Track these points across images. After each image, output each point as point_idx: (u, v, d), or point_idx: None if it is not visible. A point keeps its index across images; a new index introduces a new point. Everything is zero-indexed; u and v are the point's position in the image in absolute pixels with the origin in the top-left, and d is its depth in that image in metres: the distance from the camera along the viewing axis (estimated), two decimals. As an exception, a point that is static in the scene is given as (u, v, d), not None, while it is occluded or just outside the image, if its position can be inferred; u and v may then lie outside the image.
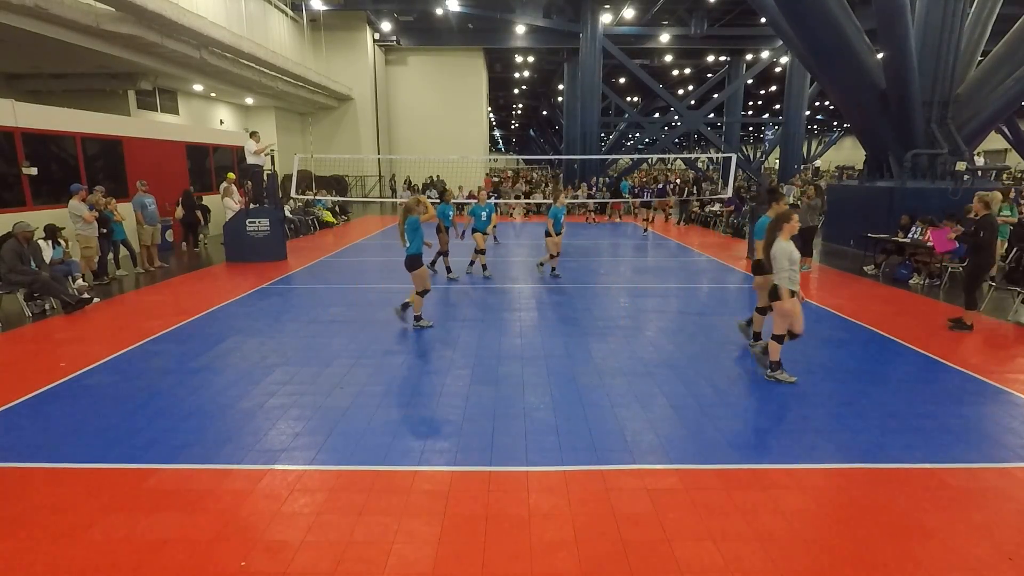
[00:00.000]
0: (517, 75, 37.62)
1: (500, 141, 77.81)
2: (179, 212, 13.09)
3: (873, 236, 10.72)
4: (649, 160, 51.75)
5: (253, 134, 12.61)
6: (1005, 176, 28.95)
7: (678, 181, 24.38)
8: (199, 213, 13.24)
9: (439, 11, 24.47)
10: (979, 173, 13.52)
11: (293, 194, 15.40)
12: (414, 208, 6.65)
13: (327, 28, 25.07)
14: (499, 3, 24.69)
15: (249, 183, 12.62)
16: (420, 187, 24.82)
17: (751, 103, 48.38)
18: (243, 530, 3.18)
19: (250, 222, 11.65)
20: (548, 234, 9.73)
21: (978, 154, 23.56)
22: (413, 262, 6.72)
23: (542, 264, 10.31)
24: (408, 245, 6.68)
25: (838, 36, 10.96)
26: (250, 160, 12.43)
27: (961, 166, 12.00)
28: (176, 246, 13.62)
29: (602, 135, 31.21)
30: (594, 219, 20.39)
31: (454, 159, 24.67)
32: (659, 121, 39.35)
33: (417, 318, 7.00)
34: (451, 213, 9.54)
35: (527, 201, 23.41)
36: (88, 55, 12.67)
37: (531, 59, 33.27)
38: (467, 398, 4.93)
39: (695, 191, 21.67)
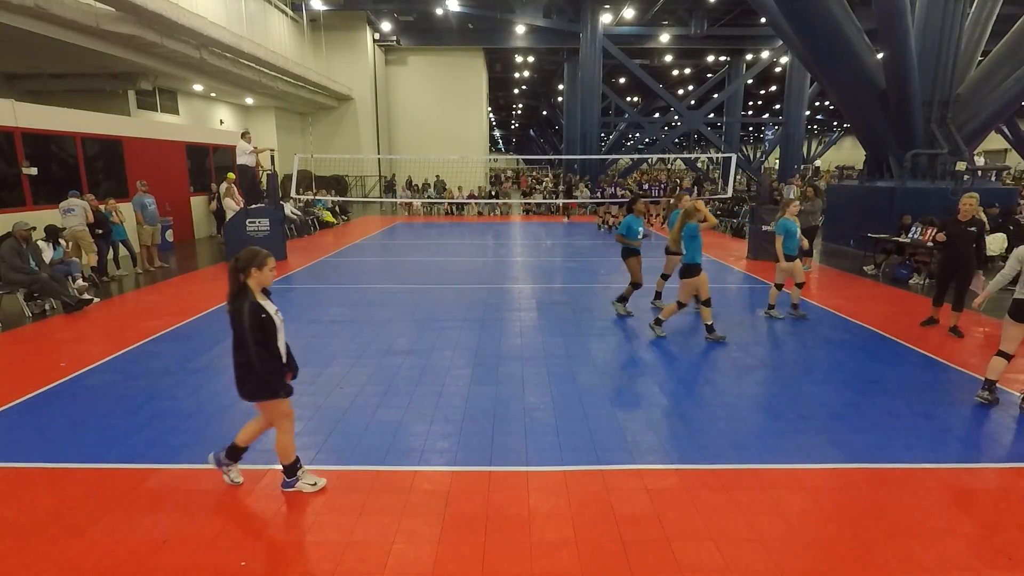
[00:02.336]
0: (517, 75, 37.63)
1: (500, 141, 77.83)
2: (213, 205, 14.54)
3: (873, 236, 10.72)
4: (649, 160, 51.76)
5: (244, 134, 12.68)
6: (1005, 176, 28.93)
7: (678, 180, 24.42)
8: None
9: (439, 11, 24.46)
10: (979, 173, 13.52)
11: (293, 194, 15.41)
12: (693, 214, 6.35)
13: (327, 28, 25.06)
14: (499, 3, 24.68)
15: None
16: (419, 187, 24.83)
17: (751, 103, 48.37)
18: (243, 530, 3.18)
19: (250, 222, 11.65)
20: (790, 256, 7.30)
21: (978, 154, 23.56)
22: (690, 270, 6.38)
23: (772, 308, 7.56)
24: (684, 252, 6.41)
25: (838, 36, 10.96)
26: (241, 160, 12.48)
27: (961, 166, 12.00)
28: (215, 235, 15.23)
29: (602, 135, 31.22)
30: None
31: (454, 159, 24.68)
32: (659, 121, 39.39)
33: (658, 321, 6.69)
34: (640, 228, 7.45)
35: (525, 201, 23.43)
36: (88, 55, 12.66)
37: (531, 59, 33.27)
38: (467, 398, 4.93)
39: (695, 190, 21.67)
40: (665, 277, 7.97)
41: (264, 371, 3.25)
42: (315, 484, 3.56)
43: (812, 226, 10.62)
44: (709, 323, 6.52)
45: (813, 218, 10.59)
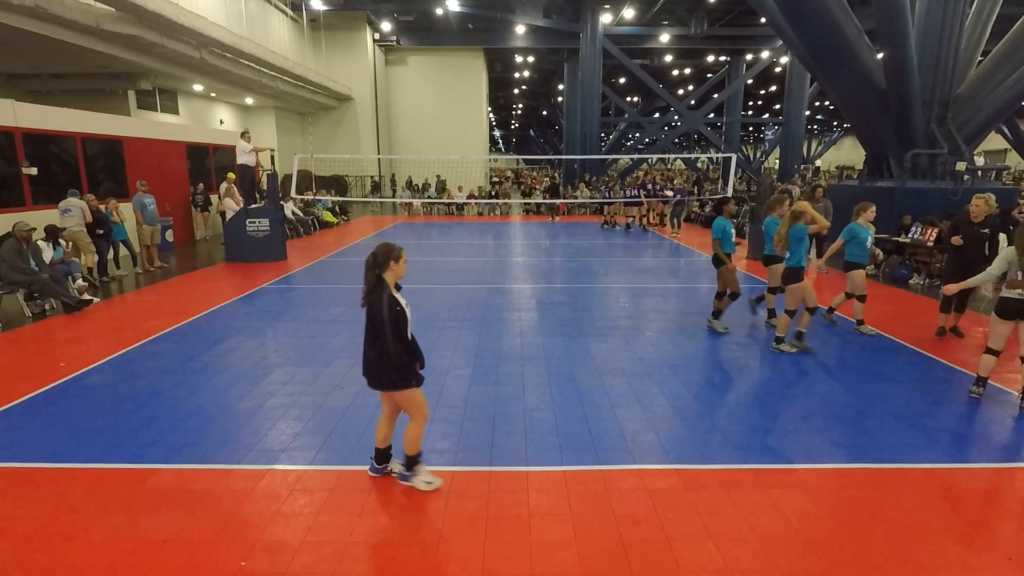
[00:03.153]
0: (517, 75, 37.62)
1: (500, 141, 77.81)
2: (220, 206, 14.64)
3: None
4: (649, 160, 51.75)
5: (244, 134, 12.70)
6: (1005, 176, 28.94)
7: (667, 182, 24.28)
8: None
9: (439, 11, 24.46)
10: (979, 173, 13.52)
11: (293, 194, 15.41)
12: (800, 216, 5.95)
13: (327, 28, 25.07)
14: (499, 3, 24.69)
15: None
16: (420, 187, 24.82)
17: (751, 103, 48.38)
18: (243, 530, 3.18)
19: (250, 222, 11.65)
20: (856, 265, 6.83)
21: (978, 154, 23.57)
22: (793, 275, 5.97)
23: (861, 323, 6.93)
24: (789, 256, 6.01)
25: (838, 36, 10.95)
26: (241, 160, 12.49)
27: (961, 166, 11.99)
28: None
29: (602, 135, 31.22)
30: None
31: (454, 159, 24.69)
32: (659, 121, 39.38)
33: (779, 340, 6.15)
34: (732, 231, 6.77)
35: (525, 201, 23.42)
36: (88, 55, 12.66)
37: (531, 59, 33.26)
38: (467, 398, 4.93)
39: (695, 191, 21.67)
40: (773, 291, 7.19)
41: (400, 362, 3.33)
42: (431, 483, 3.55)
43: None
44: (780, 335, 6.16)
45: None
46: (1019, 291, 4.65)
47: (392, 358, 3.30)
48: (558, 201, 21.12)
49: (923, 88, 11.37)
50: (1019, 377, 5.30)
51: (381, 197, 25.27)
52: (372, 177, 26.73)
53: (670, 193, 17.08)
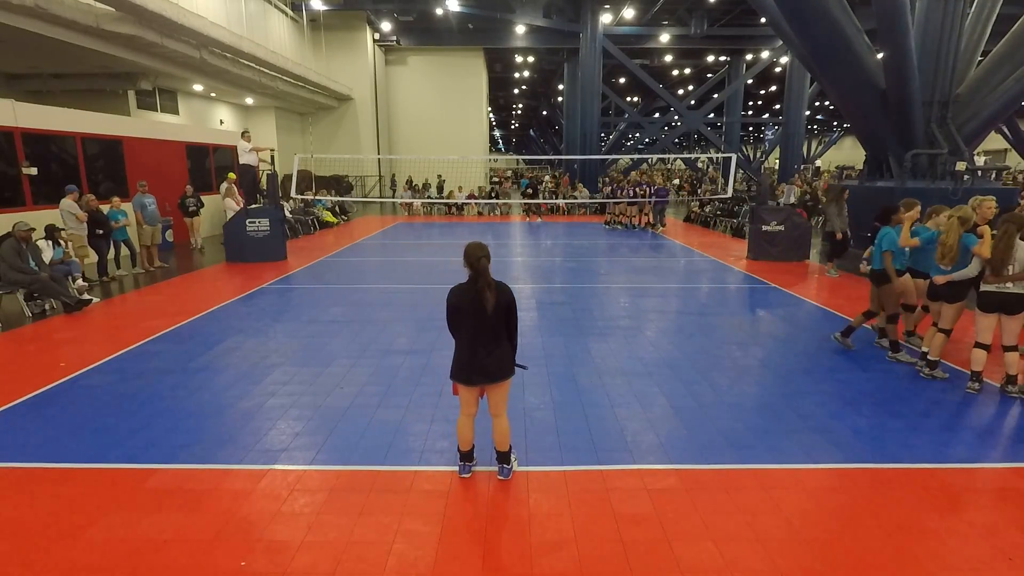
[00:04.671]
0: (517, 75, 37.63)
1: (500, 141, 77.81)
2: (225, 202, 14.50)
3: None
4: (649, 160, 51.79)
5: (244, 134, 12.70)
6: (1006, 176, 28.94)
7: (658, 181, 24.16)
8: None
9: (439, 11, 24.46)
10: (979, 173, 13.51)
11: (293, 194, 15.41)
12: (967, 221, 5.11)
13: (327, 28, 25.06)
14: (499, 3, 24.69)
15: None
16: (420, 187, 24.80)
17: (751, 103, 48.38)
18: (243, 530, 3.18)
19: (250, 222, 11.65)
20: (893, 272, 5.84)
21: (978, 154, 23.56)
22: (962, 289, 5.20)
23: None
24: (952, 268, 5.19)
25: (838, 36, 10.95)
26: (242, 160, 12.48)
27: (961, 166, 11.99)
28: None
29: (602, 135, 31.22)
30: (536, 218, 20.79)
31: (454, 159, 24.68)
32: (659, 121, 39.42)
33: (932, 364, 5.34)
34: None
35: (527, 201, 23.40)
36: (88, 55, 12.66)
37: (531, 59, 33.27)
38: (467, 398, 4.92)
39: (695, 191, 21.65)
40: (911, 309, 6.24)
41: (517, 342, 3.62)
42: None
43: (844, 231, 10.61)
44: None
45: (841, 221, 10.56)
46: (995, 285, 4.82)
47: (515, 340, 3.58)
48: (538, 201, 21.17)
49: (923, 88, 11.37)
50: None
51: (355, 197, 25.02)
52: (345, 176, 26.41)
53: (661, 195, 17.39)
